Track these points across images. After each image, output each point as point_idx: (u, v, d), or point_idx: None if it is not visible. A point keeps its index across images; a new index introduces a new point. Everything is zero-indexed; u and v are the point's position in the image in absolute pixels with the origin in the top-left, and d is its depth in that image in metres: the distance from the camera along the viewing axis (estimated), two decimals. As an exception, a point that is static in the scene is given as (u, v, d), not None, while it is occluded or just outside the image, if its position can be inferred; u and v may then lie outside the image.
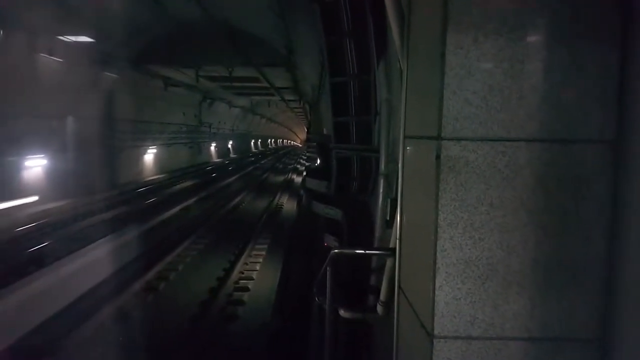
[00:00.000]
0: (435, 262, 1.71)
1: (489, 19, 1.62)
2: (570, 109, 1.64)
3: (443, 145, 1.67)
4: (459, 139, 1.67)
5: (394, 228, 2.74)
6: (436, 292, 1.72)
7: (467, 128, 1.66)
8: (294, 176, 33.54)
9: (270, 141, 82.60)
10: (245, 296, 9.70)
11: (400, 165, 2.33)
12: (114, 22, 14.13)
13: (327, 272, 3.34)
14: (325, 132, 10.72)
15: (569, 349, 1.71)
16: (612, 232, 1.64)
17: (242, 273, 11.14)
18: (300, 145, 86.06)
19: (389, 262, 3.08)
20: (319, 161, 9.14)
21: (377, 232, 4.12)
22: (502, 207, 1.67)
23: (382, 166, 4.24)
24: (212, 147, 40.59)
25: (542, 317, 1.69)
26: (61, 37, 14.34)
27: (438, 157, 1.68)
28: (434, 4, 1.74)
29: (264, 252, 13.02)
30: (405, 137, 2.25)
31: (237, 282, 10.46)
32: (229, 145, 47.29)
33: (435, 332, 1.73)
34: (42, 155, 14.71)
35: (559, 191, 1.66)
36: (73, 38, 14.60)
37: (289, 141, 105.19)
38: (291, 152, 75.20)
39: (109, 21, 14.05)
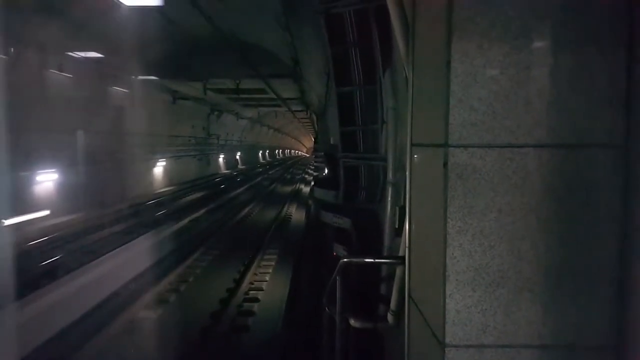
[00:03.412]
0: (445, 270, 1.71)
1: (493, 26, 1.62)
2: (577, 114, 1.64)
3: (450, 152, 1.67)
4: (466, 146, 1.67)
5: (403, 236, 2.73)
6: (447, 300, 1.71)
7: (474, 135, 1.66)
8: (302, 186, 33.55)
9: (278, 152, 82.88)
10: (255, 307, 9.68)
11: (408, 173, 2.33)
12: (123, 37, 14.34)
13: (337, 282, 3.33)
14: (332, 141, 10.74)
15: (583, 356, 1.69)
16: (624, 237, 1.63)
17: (252, 284, 11.13)
18: (308, 155, 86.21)
19: (398, 271, 3.07)
20: (326, 171, 9.15)
21: (386, 241, 4.11)
22: (512, 213, 1.66)
23: (390, 174, 4.24)
24: (221, 159, 40.79)
25: (555, 324, 1.67)
26: (71, 53, 14.59)
27: (445, 164, 1.68)
28: (438, 12, 1.75)
29: (273, 263, 13.00)
30: (412, 145, 2.25)
31: (247, 293, 10.45)
32: (237, 157, 47.50)
33: (447, 340, 1.72)
34: (53, 170, 14.87)
35: (568, 197, 1.65)
36: (82, 54, 14.86)
37: (296, 151, 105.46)
38: (299, 162, 75.31)
39: (118, 37, 14.26)
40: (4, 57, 11.43)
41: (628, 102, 1.61)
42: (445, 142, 1.68)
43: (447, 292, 1.71)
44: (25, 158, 13.36)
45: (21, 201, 13.43)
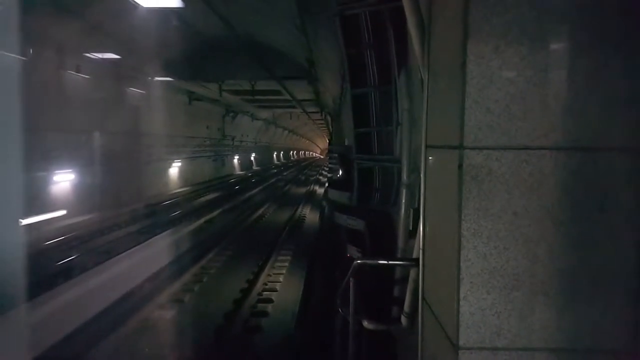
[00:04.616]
0: (459, 273, 1.70)
1: (510, 28, 1.62)
2: (595, 116, 1.62)
3: (465, 154, 1.67)
4: (481, 148, 1.66)
5: (417, 238, 2.73)
6: (461, 303, 1.71)
7: (489, 137, 1.66)
8: (316, 187, 33.59)
9: (292, 153, 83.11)
10: (269, 307, 9.72)
11: (422, 175, 2.32)
12: (140, 38, 14.54)
13: (350, 283, 3.33)
14: (346, 143, 10.75)
15: (598, 361, 1.67)
16: (641, 241, 1.61)
17: (266, 284, 11.17)
18: (322, 157, 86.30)
19: (412, 273, 3.06)
20: (340, 172, 9.15)
21: (400, 243, 4.10)
22: (527, 216, 1.65)
23: (404, 176, 4.22)
24: (235, 160, 41.03)
25: (570, 328, 1.66)
26: (88, 55, 14.81)
27: (460, 166, 1.67)
28: (454, 14, 1.75)
29: (287, 264, 13.04)
30: (427, 146, 2.25)
31: (260, 294, 10.49)
32: (252, 158, 47.73)
33: (461, 343, 1.71)
34: (70, 170, 15.08)
35: (585, 200, 1.63)
36: (100, 55, 15.07)
37: (310, 153, 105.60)
38: (313, 163, 75.39)
39: (135, 38, 14.47)
40: (22, 58, 11.63)
41: (647, 105, 1.59)
42: (460, 144, 1.68)
43: (461, 295, 1.70)
44: (43, 158, 13.59)
45: (39, 201, 13.67)
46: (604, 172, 1.63)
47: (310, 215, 21.38)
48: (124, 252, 12.51)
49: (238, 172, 41.56)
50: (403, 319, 3.35)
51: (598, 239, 1.64)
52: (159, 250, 13.45)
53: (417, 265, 2.50)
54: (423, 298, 2.31)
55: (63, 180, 15.00)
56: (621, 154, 1.62)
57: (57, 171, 14.47)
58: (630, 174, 1.61)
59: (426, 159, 2.26)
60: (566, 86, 1.62)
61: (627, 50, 1.60)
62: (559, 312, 1.66)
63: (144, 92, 19.42)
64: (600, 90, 1.61)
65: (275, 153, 63.47)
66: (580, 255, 1.64)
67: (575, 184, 1.63)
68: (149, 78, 18.51)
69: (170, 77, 19.40)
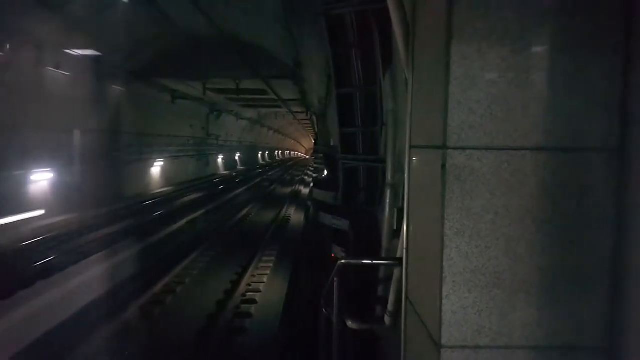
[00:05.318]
0: (442, 272, 1.72)
1: (492, 30, 1.64)
2: (574, 117, 1.65)
3: (448, 154, 1.69)
4: (464, 148, 1.68)
5: (400, 238, 2.74)
6: (443, 302, 1.72)
7: (472, 137, 1.68)
8: (301, 188, 33.56)
9: (278, 153, 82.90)
10: (253, 309, 9.67)
11: (406, 175, 2.34)
12: (121, 35, 14.33)
13: (335, 283, 3.34)
14: (332, 143, 10.76)
15: (577, 357, 1.70)
16: (618, 239, 1.64)
17: (250, 285, 11.12)
18: (308, 157, 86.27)
19: (396, 272, 3.08)
20: (326, 172, 9.17)
21: (384, 242, 4.12)
22: (508, 215, 1.68)
23: (389, 176, 4.25)
24: (220, 159, 40.78)
25: (550, 325, 1.69)
26: (68, 51, 14.52)
27: (444, 166, 1.69)
28: (438, 15, 1.77)
29: (271, 264, 13.00)
30: (411, 147, 2.27)
31: (244, 295, 10.44)
32: (237, 157, 47.50)
33: (443, 341, 1.73)
34: (48, 169, 14.77)
35: (564, 199, 1.66)
36: (80, 52, 14.78)
37: (296, 153, 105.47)
38: (298, 163, 75.29)
39: (117, 34, 14.25)
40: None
41: (623, 107, 1.62)
42: (443, 144, 1.70)
43: (444, 294, 1.72)
44: (20, 157, 13.29)
45: (15, 201, 13.38)
46: (582, 172, 1.66)
47: (295, 216, 21.35)
48: (103, 252, 12.32)
49: (222, 171, 41.30)
50: (386, 318, 3.37)
51: (577, 238, 1.67)
52: (140, 251, 13.30)
53: (401, 264, 2.51)
54: (406, 297, 2.32)
55: (41, 180, 14.69)
56: (599, 154, 1.66)
57: (34, 170, 14.15)
58: (607, 174, 1.65)
59: (410, 159, 2.27)
60: (546, 88, 1.65)
61: (606, 52, 1.63)
62: (539, 309, 1.68)
63: (125, 89, 19.16)
64: (579, 91, 1.64)
65: (261, 153, 63.25)
66: (559, 254, 1.67)
67: (555, 183, 1.66)
68: (131, 75, 18.25)
69: (153, 74, 19.18)
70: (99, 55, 15.27)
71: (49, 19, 12.37)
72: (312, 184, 20.83)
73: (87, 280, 10.22)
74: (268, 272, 12.26)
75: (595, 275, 1.67)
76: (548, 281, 1.68)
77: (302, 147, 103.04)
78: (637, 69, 1.59)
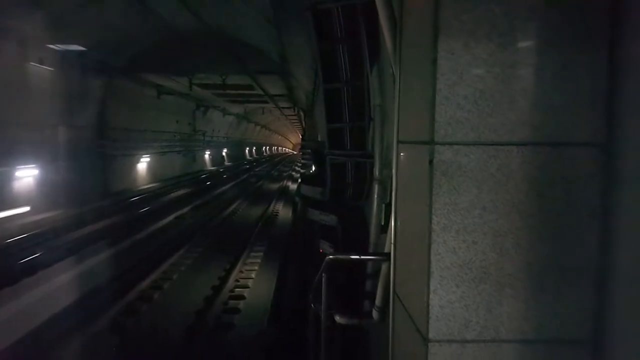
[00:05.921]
0: (429, 266, 1.72)
1: (479, 25, 1.64)
2: (560, 112, 1.66)
3: (436, 149, 1.69)
4: (451, 144, 1.68)
5: (388, 233, 2.75)
6: (431, 296, 1.73)
7: (459, 132, 1.68)
8: (289, 183, 33.51)
9: (265, 148, 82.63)
10: (241, 304, 9.65)
11: (394, 170, 2.34)
12: (106, 30, 14.13)
13: (323, 279, 3.34)
14: (319, 138, 10.75)
15: (562, 350, 1.72)
16: (604, 234, 1.66)
17: (238, 281, 11.09)
18: (295, 153, 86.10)
19: (384, 267, 3.09)
20: (313, 168, 9.15)
21: (372, 238, 4.12)
22: (495, 210, 1.68)
23: (377, 171, 4.25)
24: (207, 155, 40.51)
25: (536, 319, 1.70)
26: (52, 46, 14.29)
27: (431, 161, 1.69)
28: (425, 10, 1.76)
29: (259, 260, 12.98)
30: (398, 142, 2.26)
31: (232, 291, 10.41)
32: (224, 153, 47.23)
33: (430, 335, 1.73)
34: (33, 165, 14.56)
35: (550, 194, 1.67)
36: (64, 46, 14.55)
37: (283, 148, 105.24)
38: (286, 159, 75.15)
39: (101, 29, 14.05)
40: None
41: (609, 102, 1.64)
42: (431, 140, 1.69)
43: (431, 288, 1.72)
44: (4, 153, 13.08)
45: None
46: (568, 167, 1.67)
47: (283, 212, 21.33)
48: (90, 249, 12.20)
49: (209, 167, 41.05)
50: (374, 313, 3.38)
51: (563, 232, 1.68)
52: (126, 247, 13.19)
53: (389, 259, 2.52)
54: (394, 292, 2.33)
55: (26, 176, 14.47)
56: (585, 149, 1.67)
57: (19, 166, 13.93)
58: (593, 169, 1.66)
59: (398, 154, 2.27)
60: (533, 83, 1.66)
61: (592, 47, 1.64)
62: (526, 303, 1.70)
63: (110, 85, 18.91)
64: (565, 86, 1.65)
65: (248, 148, 62.98)
66: (545, 248, 1.68)
67: (542, 178, 1.67)
68: (116, 71, 18.02)
69: (138, 70, 18.94)
70: (83, 51, 15.03)
71: (32, 13, 12.14)
72: (299, 180, 20.83)
73: (73, 277, 10.12)
74: (256, 267, 12.24)
75: (581, 269, 1.68)
76: (534, 275, 1.69)
77: (289, 143, 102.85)
78: (623, 64, 1.60)
